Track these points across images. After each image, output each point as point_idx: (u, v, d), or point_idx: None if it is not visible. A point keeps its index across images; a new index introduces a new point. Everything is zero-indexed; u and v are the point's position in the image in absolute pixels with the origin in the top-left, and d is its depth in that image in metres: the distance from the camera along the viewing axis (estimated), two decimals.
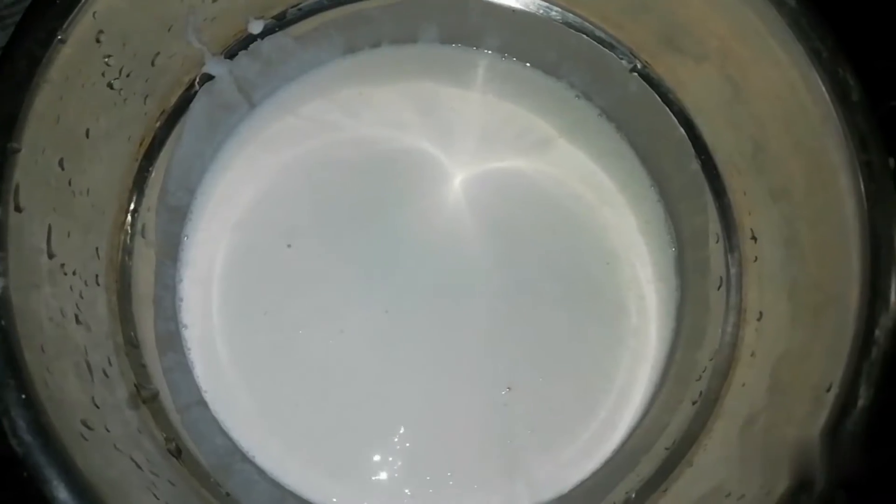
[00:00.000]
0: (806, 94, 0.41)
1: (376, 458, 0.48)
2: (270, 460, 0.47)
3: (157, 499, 0.36)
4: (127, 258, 0.46)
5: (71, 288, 0.39)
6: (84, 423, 0.34)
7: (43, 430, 0.31)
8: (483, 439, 0.48)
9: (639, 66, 0.53)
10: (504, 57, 0.57)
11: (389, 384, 0.49)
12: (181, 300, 0.49)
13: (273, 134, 0.53)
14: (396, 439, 0.48)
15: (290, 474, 0.47)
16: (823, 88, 0.41)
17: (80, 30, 0.38)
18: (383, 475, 0.47)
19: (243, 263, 0.51)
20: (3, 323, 0.32)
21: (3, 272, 0.33)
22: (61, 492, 0.30)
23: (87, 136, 0.41)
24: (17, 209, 0.35)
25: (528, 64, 0.57)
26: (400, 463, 0.48)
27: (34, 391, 0.32)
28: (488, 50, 0.57)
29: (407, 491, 0.47)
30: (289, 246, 0.51)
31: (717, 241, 0.51)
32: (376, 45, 0.57)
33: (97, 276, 0.43)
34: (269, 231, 0.51)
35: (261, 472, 0.46)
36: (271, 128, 0.53)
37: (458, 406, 0.49)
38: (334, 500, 0.47)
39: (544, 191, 0.54)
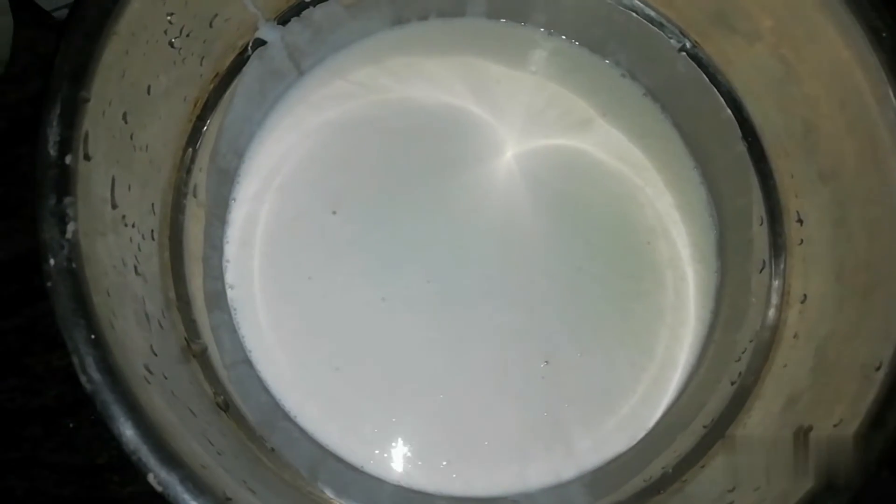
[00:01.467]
0: (861, 74, 0.41)
1: (412, 425, 0.48)
2: (310, 422, 0.48)
3: (212, 445, 0.37)
4: (179, 216, 0.47)
5: (130, 240, 0.40)
6: (146, 368, 0.35)
7: (110, 369, 0.32)
8: (521, 410, 0.49)
9: (688, 45, 0.53)
10: (551, 33, 0.57)
11: (428, 353, 0.50)
12: (227, 261, 0.50)
13: (321, 98, 0.53)
14: (433, 408, 0.49)
15: (328, 436, 0.48)
16: (881, 68, 0.40)
17: None
18: (418, 443, 0.48)
19: (287, 227, 0.51)
20: (73, 266, 0.33)
21: (74, 216, 0.34)
22: (128, 429, 0.31)
23: (149, 92, 0.42)
24: (87, 157, 0.36)
25: (575, 42, 0.57)
26: (436, 431, 0.48)
27: (101, 332, 0.33)
28: (536, 26, 0.57)
29: (444, 462, 0.48)
30: (334, 213, 0.51)
31: (762, 224, 0.51)
32: (424, 17, 0.57)
33: (153, 231, 0.44)
34: (314, 196, 0.52)
35: (302, 431, 0.47)
36: (320, 92, 0.53)
37: (497, 377, 0.49)
38: (371, 462, 0.48)
39: (589, 170, 0.54)
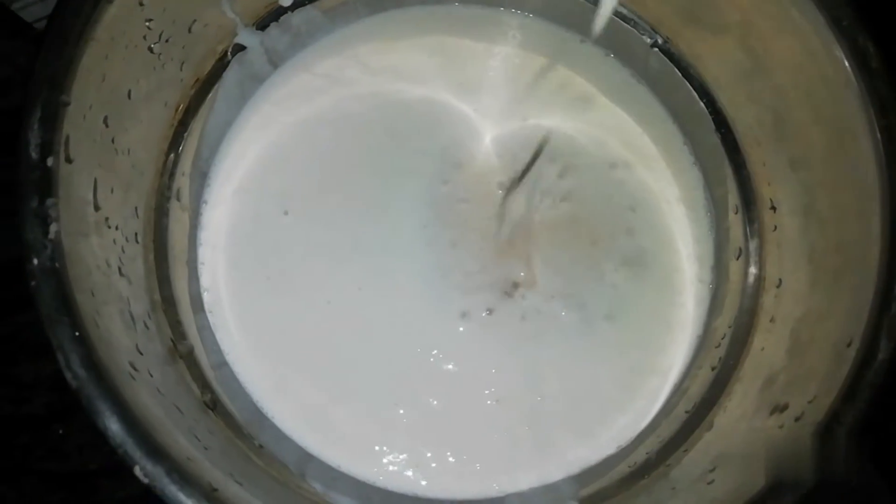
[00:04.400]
0: (827, 63, 0.42)
1: (381, 427, 0.48)
2: (287, 423, 0.47)
3: (199, 440, 0.37)
4: (163, 220, 0.47)
5: (114, 241, 0.41)
6: (131, 365, 0.36)
7: (95, 366, 0.32)
8: (508, 412, 0.49)
9: (659, 41, 0.54)
10: (530, 16, 0.57)
11: (388, 356, 0.49)
12: (202, 264, 0.50)
13: (285, 96, 0.53)
14: (402, 411, 0.48)
15: (305, 438, 0.47)
16: (844, 56, 0.41)
17: None
18: (386, 447, 0.48)
19: (248, 229, 0.51)
20: (56, 265, 0.33)
21: (56, 217, 0.34)
22: (114, 423, 0.31)
23: (129, 97, 0.43)
24: (68, 160, 0.36)
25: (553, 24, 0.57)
26: (401, 434, 0.48)
27: (86, 329, 0.33)
28: (515, 10, 0.57)
29: (411, 460, 0.48)
30: (286, 213, 0.51)
31: (737, 212, 0.52)
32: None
33: (136, 234, 0.44)
34: (270, 196, 0.51)
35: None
36: (284, 90, 0.53)
37: (480, 379, 0.49)
38: (354, 466, 0.47)
39: (575, 155, 0.54)
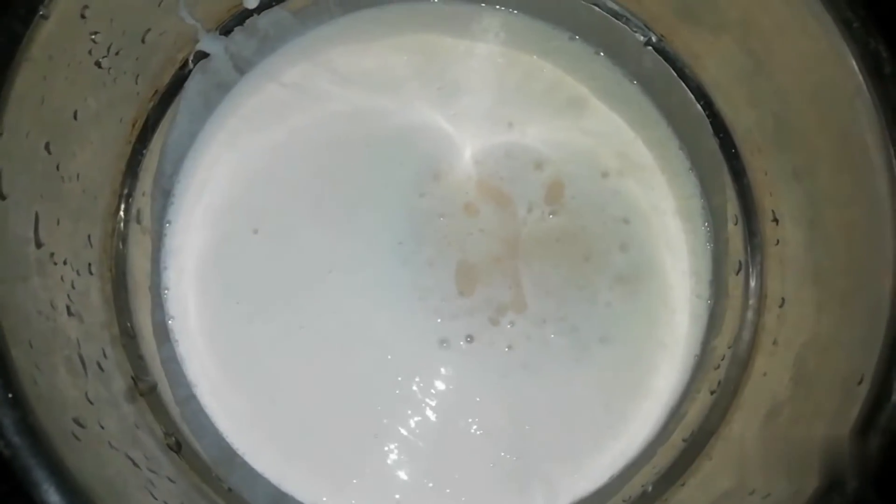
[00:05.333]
0: (834, 67, 0.39)
1: (357, 459, 0.45)
2: (258, 458, 0.45)
3: (155, 498, 0.34)
4: (121, 245, 0.44)
5: (62, 278, 0.38)
6: (76, 421, 0.33)
7: (31, 431, 0.29)
8: (493, 444, 0.46)
9: (654, 39, 0.50)
10: (515, 13, 0.53)
11: (365, 384, 0.46)
12: (167, 290, 0.47)
13: (252, 109, 0.50)
14: (381, 443, 0.45)
15: (278, 475, 0.44)
16: (854, 61, 0.38)
17: (63, 4, 0.36)
18: (367, 479, 0.45)
19: (215, 249, 0.48)
20: None
21: None
22: (52, 495, 0.29)
23: (76, 118, 0.39)
24: (1, 197, 0.33)
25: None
26: (381, 466, 0.45)
27: (21, 389, 0.30)
28: (499, 6, 0.53)
29: (396, 495, 0.45)
30: (255, 232, 0.48)
31: (736, 223, 0.49)
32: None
33: (90, 264, 0.41)
34: (239, 215, 0.48)
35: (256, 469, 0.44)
36: (250, 103, 0.50)
37: (463, 409, 0.46)
38: (324, 499, 0.45)
39: (564, 157, 0.50)
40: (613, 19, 0.51)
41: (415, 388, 0.46)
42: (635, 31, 0.51)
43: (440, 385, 0.46)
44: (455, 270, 0.48)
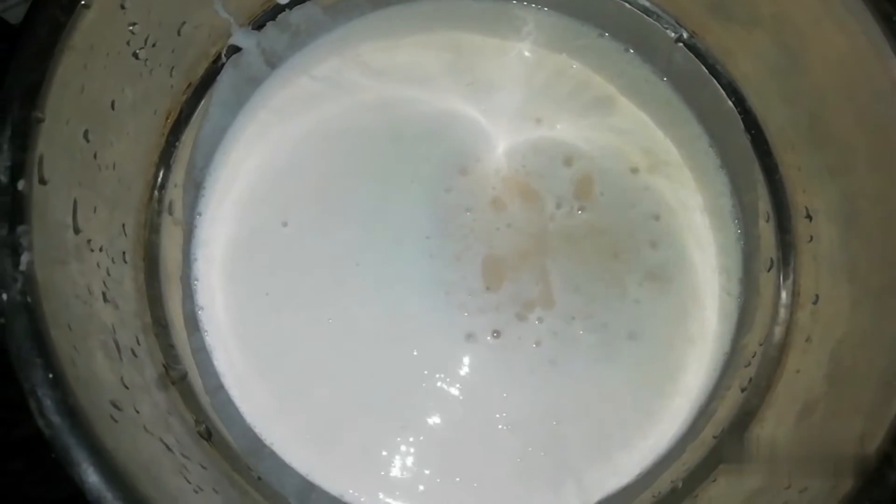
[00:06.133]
0: (873, 63, 0.39)
1: (384, 451, 0.45)
2: (286, 449, 0.44)
3: (189, 483, 0.35)
4: (154, 236, 0.45)
5: (98, 265, 0.38)
6: (113, 404, 0.33)
7: (71, 411, 0.30)
8: (521, 438, 0.46)
9: (685, 35, 0.50)
10: (545, 9, 0.53)
11: (393, 377, 0.46)
12: (196, 281, 0.47)
13: (283, 102, 0.50)
14: (409, 436, 0.45)
15: (307, 466, 0.44)
16: (892, 55, 0.38)
17: None
18: (394, 471, 0.45)
19: (245, 242, 0.48)
20: (29, 300, 0.31)
21: (28, 246, 0.31)
22: (91, 475, 0.29)
23: (113, 107, 0.40)
24: (42, 181, 0.34)
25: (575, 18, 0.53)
26: (408, 460, 0.45)
27: (61, 370, 0.30)
28: (529, 3, 0.53)
29: (421, 487, 0.45)
30: (284, 224, 0.48)
31: (768, 220, 0.48)
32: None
33: (124, 253, 0.42)
34: (269, 208, 0.48)
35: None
36: (282, 94, 0.50)
37: (491, 403, 0.46)
38: (351, 491, 0.45)
39: (594, 154, 0.50)
40: (643, 16, 0.51)
41: (441, 382, 0.46)
42: (666, 28, 0.51)
43: (467, 379, 0.46)
44: (482, 265, 0.48)
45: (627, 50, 0.52)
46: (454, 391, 0.46)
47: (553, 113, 0.51)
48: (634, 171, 0.50)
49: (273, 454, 0.44)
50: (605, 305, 0.47)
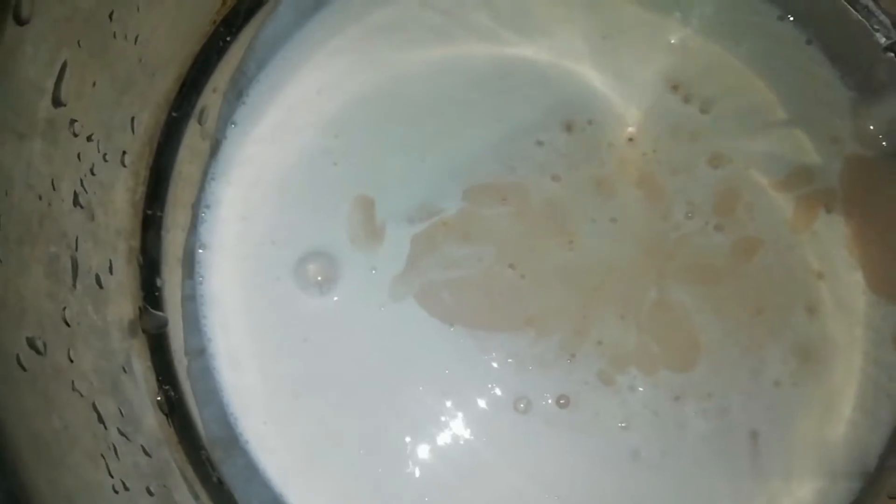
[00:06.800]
0: None
1: (379, 491, 0.35)
2: (261, 450, 0.34)
3: (111, 475, 0.25)
4: (171, 143, 0.35)
5: (79, 156, 0.29)
6: (30, 343, 0.23)
7: None
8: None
9: None
10: None
11: (402, 415, 0.36)
12: (207, 208, 0.36)
13: (384, 21, 0.38)
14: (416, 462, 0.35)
15: (281, 475, 0.34)
16: None
17: None
18: None
19: (279, 175, 0.37)
20: None
21: None
22: None
23: None
24: (18, 19, 0.24)
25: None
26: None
27: None
28: None
29: None
30: (335, 164, 0.37)
31: None
32: None
33: (124, 153, 0.32)
34: (317, 136, 0.37)
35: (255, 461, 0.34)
36: (385, 13, 0.38)
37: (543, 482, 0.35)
38: None
39: (748, 161, 0.38)
40: (847, 5, 0.39)
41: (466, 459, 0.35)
42: (876, 29, 0.38)
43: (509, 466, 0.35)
44: (554, 275, 0.36)
45: (810, 42, 0.40)
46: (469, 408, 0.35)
47: (708, 94, 0.39)
48: (812, 203, 0.37)
49: (246, 453, 0.33)
50: (733, 383, 0.34)
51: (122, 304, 0.31)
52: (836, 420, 0.35)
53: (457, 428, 0.35)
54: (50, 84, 0.27)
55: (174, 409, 0.32)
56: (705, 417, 0.34)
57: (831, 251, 0.37)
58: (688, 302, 0.35)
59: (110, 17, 0.29)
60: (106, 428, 0.26)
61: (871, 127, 0.39)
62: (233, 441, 0.33)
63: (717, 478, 0.35)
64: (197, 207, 0.36)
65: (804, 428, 0.34)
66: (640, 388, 0.35)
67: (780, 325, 0.35)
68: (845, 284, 0.36)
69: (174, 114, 0.36)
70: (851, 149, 0.39)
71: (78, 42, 0.28)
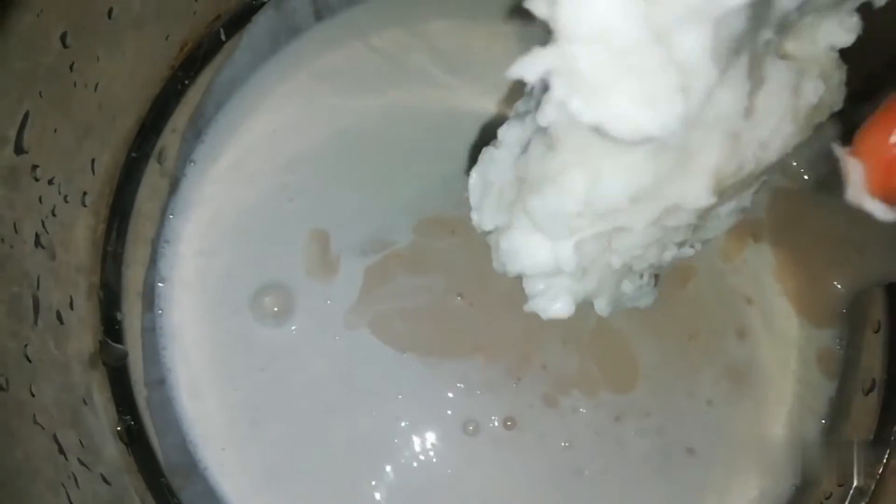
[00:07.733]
0: None
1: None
2: (221, 478, 0.35)
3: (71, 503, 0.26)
4: (130, 183, 0.37)
5: (40, 199, 0.30)
6: None
7: None
8: None
9: None
10: None
11: (362, 445, 0.37)
12: (166, 243, 0.37)
13: (329, 66, 0.41)
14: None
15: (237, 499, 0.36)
16: None
17: None
18: None
19: (237, 213, 0.39)
20: None
21: None
22: None
23: (109, 16, 0.32)
24: None
25: None
26: None
27: None
28: None
29: None
30: (290, 200, 0.39)
31: (877, 331, 0.38)
32: None
33: (84, 193, 0.34)
34: (272, 180, 0.39)
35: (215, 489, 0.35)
36: (330, 58, 0.41)
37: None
38: None
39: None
40: None
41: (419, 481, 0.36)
42: None
43: (460, 485, 0.36)
44: (500, 301, 0.38)
45: None
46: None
47: None
48: (741, 233, 0.40)
49: (205, 479, 0.35)
50: (669, 404, 0.37)
51: (83, 338, 0.32)
52: (767, 436, 0.37)
53: (410, 450, 0.37)
54: (12, 133, 0.28)
55: (134, 438, 0.33)
56: (644, 436, 0.36)
57: (760, 278, 0.40)
58: (626, 328, 0.38)
59: (71, 67, 0.31)
60: (67, 458, 0.27)
61: (794, 163, 0.42)
62: (192, 468, 0.35)
63: (657, 493, 0.37)
64: (157, 242, 0.38)
65: (737, 444, 0.37)
66: (583, 410, 0.37)
67: (713, 349, 0.38)
68: (773, 309, 0.39)
69: (134, 154, 0.37)
70: (777, 182, 0.42)
71: (39, 93, 0.29)
